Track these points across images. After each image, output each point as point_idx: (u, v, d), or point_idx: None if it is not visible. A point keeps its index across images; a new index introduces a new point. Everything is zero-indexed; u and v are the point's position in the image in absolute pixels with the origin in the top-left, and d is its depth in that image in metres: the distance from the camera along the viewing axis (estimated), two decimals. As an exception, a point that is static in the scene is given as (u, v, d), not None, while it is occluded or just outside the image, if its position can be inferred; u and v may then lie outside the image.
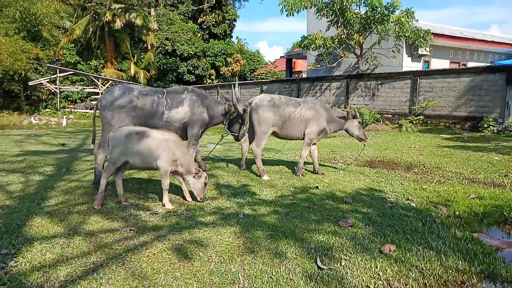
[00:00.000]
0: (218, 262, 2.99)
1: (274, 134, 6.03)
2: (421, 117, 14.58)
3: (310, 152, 6.24)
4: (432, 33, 16.12)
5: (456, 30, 21.74)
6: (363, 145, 6.80)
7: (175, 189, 4.91)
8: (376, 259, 3.09)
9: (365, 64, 18.88)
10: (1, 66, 22.45)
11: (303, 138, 6.03)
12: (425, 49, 17.02)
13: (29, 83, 24.45)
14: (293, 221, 3.90)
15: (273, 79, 29.27)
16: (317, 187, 5.37)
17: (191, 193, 4.55)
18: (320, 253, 3.17)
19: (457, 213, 4.43)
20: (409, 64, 19.03)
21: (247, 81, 28.31)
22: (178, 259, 3.01)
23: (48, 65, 25.63)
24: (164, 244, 3.26)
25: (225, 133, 5.74)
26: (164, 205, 4.31)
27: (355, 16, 16.22)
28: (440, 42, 18.91)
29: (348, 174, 6.44)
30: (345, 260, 3.07)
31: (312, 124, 5.88)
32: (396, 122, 15.42)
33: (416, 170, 7.32)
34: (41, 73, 25.96)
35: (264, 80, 24.99)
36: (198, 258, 3.04)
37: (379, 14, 15.47)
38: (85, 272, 2.80)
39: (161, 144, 4.14)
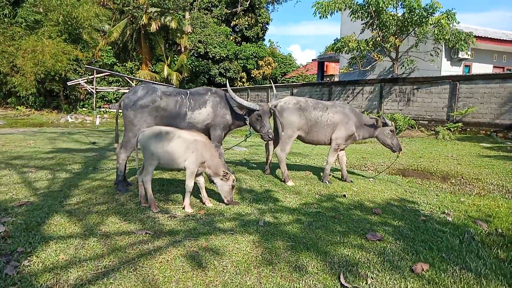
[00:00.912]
0: (233, 273, 2.81)
1: (300, 138, 5.79)
2: (460, 124, 13.80)
3: (338, 158, 5.95)
4: (475, 36, 15.25)
5: (501, 33, 20.53)
6: (396, 156, 6.31)
7: (196, 192, 4.79)
8: (407, 278, 2.80)
9: (401, 68, 18.18)
10: (43, 67, 23.51)
11: (330, 143, 5.75)
12: (466, 53, 16.15)
13: (67, 83, 25.46)
14: (316, 231, 3.66)
15: (304, 82, 28.88)
16: (344, 195, 5.08)
17: (214, 195, 4.42)
18: (344, 269, 2.92)
19: (499, 230, 4.01)
20: (448, 69, 18.13)
21: (278, 84, 28.11)
22: (191, 268, 2.86)
23: (86, 66, 26.58)
24: (179, 250, 3.12)
25: (249, 134, 5.55)
26: (184, 208, 4.20)
27: (391, 18, 15.63)
28: (483, 46, 17.90)
29: (379, 183, 6.08)
30: (372, 278, 2.80)
31: (340, 128, 5.59)
32: (432, 129, 14.69)
33: (453, 181, 6.84)
34: (79, 73, 26.96)
35: (294, 83, 24.71)
36: (212, 268, 2.87)
37: (417, 16, 14.82)
38: (96, 276, 2.70)
39: (191, 145, 4.06)
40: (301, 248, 3.23)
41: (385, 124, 5.69)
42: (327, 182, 5.71)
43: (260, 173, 6.21)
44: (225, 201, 4.38)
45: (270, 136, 5.16)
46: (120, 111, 4.87)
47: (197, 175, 4.28)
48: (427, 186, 6.29)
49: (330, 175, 5.93)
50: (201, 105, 5.07)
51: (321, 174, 6.33)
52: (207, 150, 4.13)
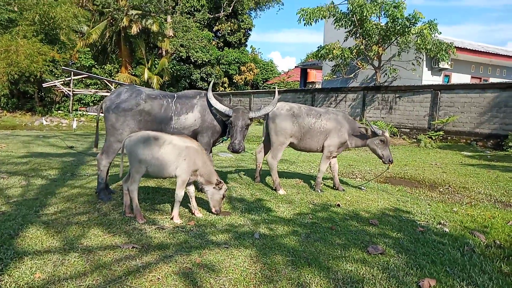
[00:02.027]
0: (231, 293, 2.57)
1: (291, 145, 5.61)
2: (441, 132, 14.03)
3: (330, 166, 5.80)
4: (455, 47, 15.60)
5: (477, 45, 21.17)
6: (387, 167, 6.04)
7: (184, 202, 4.52)
8: (416, 296, 2.64)
9: (383, 76, 18.42)
10: (17, 67, 22.53)
11: (322, 151, 5.60)
12: (447, 63, 16.50)
13: (43, 85, 24.51)
14: (315, 244, 3.46)
15: (286, 88, 28.91)
16: (338, 205, 4.92)
17: (203, 205, 4.16)
18: (349, 286, 2.73)
19: (497, 242, 3.93)
20: (429, 78, 18.50)
21: (260, 90, 28.03)
22: (185, 287, 2.60)
23: (63, 67, 25.71)
24: (170, 267, 2.85)
25: (225, 138, 5.02)
26: (172, 218, 3.92)
27: (374, 27, 15.82)
28: (462, 56, 18.36)
29: (370, 192, 5.97)
30: (379, 296, 2.62)
31: (333, 136, 5.45)
32: (414, 137, 14.88)
33: (441, 190, 6.83)
34: (56, 75, 26.01)
35: (277, 90, 24.69)
36: (209, 287, 2.62)
37: (400, 26, 15.05)
38: (78, 298, 2.41)
39: (183, 152, 3.80)
40: (302, 264, 3.03)
41: (374, 134, 5.50)
42: (320, 191, 5.54)
43: (250, 181, 5.99)
44: (213, 210, 4.13)
45: (235, 148, 4.55)
46: (102, 114, 4.55)
47: (188, 183, 4.02)
48: (417, 195, 6.24)
49: (321, 183, 5.77)
50: (188, 110, 4.78)
51: (312, 182, 6.17)
52: (199, 158, 3.88)
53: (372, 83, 19.16)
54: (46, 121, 19.98)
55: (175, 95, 4.86)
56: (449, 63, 16.77)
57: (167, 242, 3.33)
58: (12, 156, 7.46)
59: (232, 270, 2.86)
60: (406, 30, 15.10)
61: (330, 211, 4.64)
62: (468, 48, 18.73)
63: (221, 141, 5.13)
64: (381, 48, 16.32)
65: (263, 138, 5.92)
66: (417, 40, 15.23)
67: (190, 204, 4.21)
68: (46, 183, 5.38)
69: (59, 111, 26.21)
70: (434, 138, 13.89)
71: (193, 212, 4.17)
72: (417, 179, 7.77)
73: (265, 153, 5.91)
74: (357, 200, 5.29)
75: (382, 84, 17.60)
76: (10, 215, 3.84)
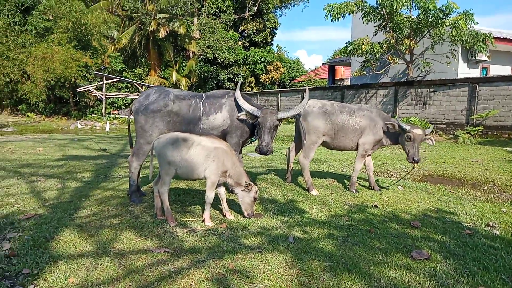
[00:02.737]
0: (267, 301, 2.44)
1: (324, 144, 5.41)
2: (480, 127, 13.27)
3: (364, 165, 5.55)
4: (493, 37, 14.74)
5: (518, 34, 19.95)
6: (412, 167, 5.58)
7: (215, 203, 4.43)
8: (470, 308, 2.41)
9: (416, 70, 17.72)
10: (53, 73, 23.47)
11: (356, 149, 5.36)
12: (485, 54, 15.61)
13: (77, 89, 25.41)
14: (354, 248, 3.27)
15: (314, 86, 28.49)
16: (375, 206, 4.68)
17: (234, 207, 4.05)
18: (394, 295, 2.53)
19: (556, 246, 3.58)
20: (465, 71, 17.61)
21: (287, 89, 27.78)
22: (219, 294, 2.50)
23: (95, 72, 26.54)
24: (203, 272, 2.76)
25: (254, 138, 4.92)
26: (203, 221, 3.84)
27: (405, 20, 15.22)
28: (501, 47, 17.35)
29: (409, 191, 5.66)
30: (429, 307, 2.41)
31: (367, 133, 5.20)
32: (451, 132, 14.19)
33: (485, 188, 6.40)
34: (89, 80, 26.92)
35: (304, 88, 24.32)
36: (243, 294, 2.50)
37: (432, 18, 14.39)
38: (111, 305, 2.35)
39: (211, 153, 3.72)
40: (341, 270, 2.85)
41: (402, 129, 5.16)
42: (354, 191, 5.31)
43: (281, 182, 5.83)
44: (245, 214, 4.00)
45: (262, 150, 4.40)
46: (132, 116, 4.55)
47: (218, 185, 3.93)
48: (460, 194, 5.86)
49: (356, 183, 5.54)
50: (216, 110, 4.69)
51: (346, 182, 5.94)
52: (228, 159, 3.78)
53: (404, 78, 18.48)
54: (81, 125, 20.65)
55: (203, 95, 4.79)
56: (487, 54, 15.84)
57: (199, 245, 3.24)
58: (48, 159, 7.68)
59: (267, 276, 2.73)
60: (439, 21, 14.41)
61: (367, 212, 4.41)
62: (508, 38, 17.67)
63: (249, 142, 5.01)
64: (413, 42, 15.68)
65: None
66: (451, 32, 14.50)
67: (221, 206, 4.11)
68: (80, 185, 5.47)
69: (93, 115, 27.08)
70: (473, 133, 13.17)
71: (224, 214, 4.08)
72: (457, 177, 7.35)
73: (297, 153, 5.74)
74: (395, 200, 5.02)
75: (415, 79, 16.93)
76: (46, 218, 3.89)
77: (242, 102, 4.53)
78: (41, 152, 8.79)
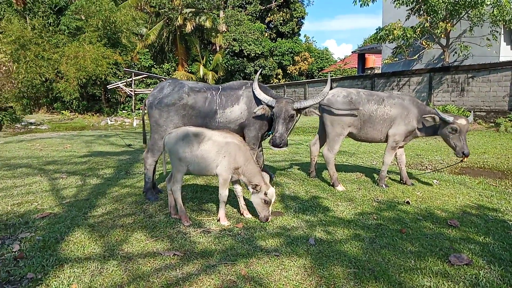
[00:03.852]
0: (281, 314, 2.17)
1: (351, 135, 5.02)
2: (525, 114, 12.25)
3: (396, 157, 5.12)
4: (541, 15, 13.50)
5: None
6: (460, 160, 4.99)
7: (233, 201, 4.20)
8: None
9: (453, 55, 16.64)
10: (85, 71, 24.13)
11: (386, 141, 4.94)
12: (531, 35, 14.36)
13: (107, 86, 26.02)
14: (382, 252, 2.93)
15: (343, 76, 27.63)
16: (407, 202, 4.28)
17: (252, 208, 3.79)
18: (428, 309, 2.19)
19: None
20: (508, 54, 16.31)
21: (315, 79, 27.12)
22: (228, 304, 2.26)
23: (124, 69, 27.05)
24: (213, 279, 2.53)
25: (271, 132, 4.69)
26: (219, 220, 3.62)
27: (441, 1, 14.22)
28: (548, 26, 15.89)
29: (445, 186, 5.19)
30: (471, 325, 2.05)
31: (399, 123, 4.76)
32: (492, 120, 13.21)
33: (533, 181, 5.79)
34: (119, 77, 27.49)
35: (333, 78, 23.61)
36: (254, 305, 2.25)
37: (471, -3, 13.34)
38: (110, 315, 2.16)
39: (222, 149, 3.47)
40: (367, 277, 2.53)
41: (444, 121, 4.62)
42: (384, 186, 4.90)
43: (305, 176, 5.51)
44: (259, 218, 3.61)
45: (275, 142, 4.16)
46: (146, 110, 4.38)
47: (234, 182, 3.68)
48: (503, 188, 5.32)
49: (386, 177, 5.12)
50: (233, 102, 4.44)
51: (375, 176, 5.54)
52: (241, 154, 3.50)
53: (439, 64, 17.43)
54: (111, 121, 21.14)
55: (220, 87, 4.54)
56: (534, 34, 14.57)
57: (212, 248, 3.02)
58: (74, 156, 7.74)
59: (283, 285, 2.46)
60: (479, 1, 13.33)
61: (398, 210, 4.03)
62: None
63: (267, 135, 4.72)
64: (449, 24, 14.65)
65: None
66: (493, 12, 13.40)
67: (239, 204, 3.88)
68: (100, 182, 5.40)
69: (123, 111, 27.69)
70: (516, 121, 12.18)
71: (241, 212, 3.83)
72: (500, 169, 6.73)
73: (321, 145, 5.39)
74: (430, 196, 4.58)
75: (451, 64, 15.90)
76: (61, 217, 3.80)
77: (258, 92, 4.26)
78: (68, 149, 8.92)
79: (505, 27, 14.36)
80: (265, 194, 3.46)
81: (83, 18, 26.19)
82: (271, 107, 4.25)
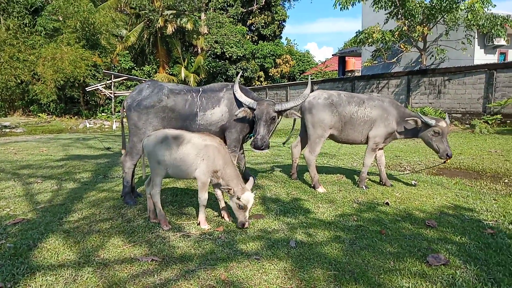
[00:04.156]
0: (261, 318, 2.14)
1: (332, 137, 5.05)
2: (499, 116, 12.66)
3: (375, 158, 5.18)
4: (512, 20, 14.05)
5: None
6: (443, 161, 5.07)
7: (214, 204, 4.15)
8: (496, 325, 2.06)
9: (430, 58, 17.08)
10: (63, 73, 23.55)
11: (367, 142, 4.99)
12: (504, 39, 14.89)
13: (86, 89, 25.47)
14: (362, 253, 2.94)
15: (324, 78, 27.92)
16: (387, 203, 4.33)
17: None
18: (407, 310, 2.20)
19: None
20: (481, 57, 16.89)
21: (297, 82, 27.31)
22: (207, 310, 2.21)
23: (104, 71, 26.54)
24: (192, 284, 2.48)
25: (253, 134, 4.67)
26: (199, 224, 3.56)
27: (418, 5, 14.60)
28: (519, 31, 16.55)
29: (423, 186, 5.28)
30: (448, 324, 2.08)
31: (379, 125, 4.82)
32: (467, 122, 13.60)
33: (506, 181, 5.98)
34: (98, 79, 26.96)
35: (314, 80, 23.84)
36: (234, 310, 2.21)
37: (446, 2, 13.74)
38: (84, 325, 2.09)
39: (201, 152, 3.41)
40: (347, 279, 2.53)
41: (427, 125, 4.73)
42: (364, 187, 4.95)
43: (286, 178, 5.51)
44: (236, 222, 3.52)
45: (256, 144, 4.16)
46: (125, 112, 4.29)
47: (215, 185, 3.64)
48: (479, 188, 5.46)
49: (366, 178, 5.17)
50: (214, 104, 4.40)
51: (355, 177, 5.59)
52: (220, 157, 3.44)
53: (417, 67, 17.86)
54: (90, 124, 20.69)
55: (200, 89, 4.50)
56: (506, 39, 15.11)
57: (191, 252, 2.96)
58: (50, 160, 7.52)
59: (263, 288, 2.43)
60: (454, 6, 13.76)
61: (377, 211, 4.07)
62: (527, 21, 16.84)
63: (248, 137, 4.70)
64: (426, 28, 15.06)
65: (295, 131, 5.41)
66: (467, 16, 13.84)
67: (220, 206, 3.83)
68: (77, 186, 5.25)
69: (102, 114, 27.15)
70: (490, 122, 12.58)
71: (222, 216, 3.79)
72: (476, 169, 6.91)
73: (302, 147, 5.41)
74: (408, 197, 4.65)
75: (428, 67, 16.31)
76: (34, 223, 3.66)
77: (239, 94, 4.24)
78: (44, 153, 8.66)
79: (479, 31, 14.86)
80: (238, 198, 3.36)
81: (61, 19, 25.57)
82: (252, 109, 4.24)
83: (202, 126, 4.35)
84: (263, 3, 36.10)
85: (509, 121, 12.58)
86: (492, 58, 17.24)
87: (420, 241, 3.22)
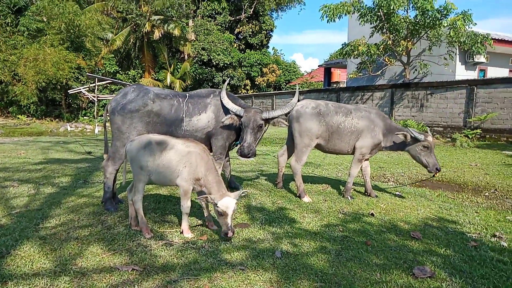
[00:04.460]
0: (245, 331, 2.07)
1: (319, 147, 5.04)
2: (478, 130, 13.00)
3: (361, 169, 5.19)
4: (492, 39, 14.50)
5: (514, 37, 19.79)
6: (432, 175, 5.12)
7: (198, 212, 4.06)
8: None
9: (413, 72, 17.46)
10: (45, 75, 23.03)
11: (353, 153, 5.00)
12: (483, 56, 15.38)
13: (69, 91, 24.95)
14: (348, 265, 2.90)
15: (310, 88, 28.19)
16: (372, 214, 4.32)
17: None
18: (394, 323, 2.17)
19: None
20: (462, 73, 17.37)
21: (283, 91, 27.49)
22: (189, 323, 2.12)
23: (87, 74, 26.08)
24: (174, 295, 2.38)
25: (239, 141, 4.63)
26: (182, 233, 3.46)
27: (402, 21, 14.95)
28: (499, 49, 17.11)
29: (407, 198, 5.32)
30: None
31: (366, 136, 4.84)
32: (449, 136, 13.90)
33: (487, 194, 6.09)
34: (81, 82, 26.47)
35: (300, 90, 24.03)
36: (217, 323, 2.13)
37: (430, 18, 14.12)
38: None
39: (184, 158, 3.31)
40: (333, 291, 2.48)
41: (415, 139, 4.76)
42: (350, 198, 4.94)
43: (271, 187, 5.46)
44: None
45: (243, 152, 4.13)
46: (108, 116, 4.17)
47: (199, 193, 3.55)
48: (460, 200, 5.54)
49: (351, 189, 5.17)
50: (201, 110, 4.35)
51: (341, 187, 5.59)
52: (202, 164, 3.35)
53: (400, 80, 18.22)
54: (71, 127, 20.23)
55: (187, 94, 4.44)
56: (485, 56, 15.61)
57: (173, 262, 2.87)
58: (28, 163, 7.27)
59: (248, 300, 2.36)
60: (437, 22, 14.14)
61: (363, 221, 4.06)
62: (505, 39, 17.47)
63: (234, 144, 4.66)
64: (410, 43, 15.41)
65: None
66: (449, 33, 14.24)
67: (204, 214, 3.74)
68: (55, 191, 5.07)
69: (85, 117, 26.62)
70: (470, 136, 12.89)
71: (207, 224, 3.70)
72: (457, 182, 7.03)
73: (289, 156, 5.38)
74: (393, 208, 4.66)
75: (411, 81, 16.66)
76: (8, 229, 3.50)
77: (226, 101, 4.19)
78: (22, 155, 8.37)
79: (460, 48, 15.27)
80: (216, 205, 3.19)
81: (45, 20, 25.10)
82: (239, 116, 4.19)
83: (187, 132, 4.28)
84: (251, 12, 36.35)
85: (488, 136, 12.91)
86: (473, 74, 17.75)
87: (405, 252, 3.21)
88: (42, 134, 17.39)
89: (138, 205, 3.39)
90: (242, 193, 3.28)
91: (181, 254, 3.01)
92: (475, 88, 13.30)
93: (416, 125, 14.31)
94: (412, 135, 4.69)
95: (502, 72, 18.44)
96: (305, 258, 2.99)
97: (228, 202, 3.18)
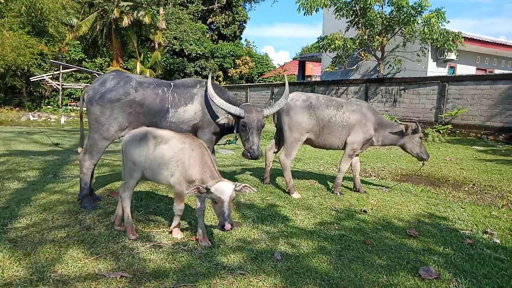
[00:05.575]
0: None
1: (308, 142, 4.88)
2: (449, 126, 13.39)
3: (351, 164, 5.09)
4: (463, 37, 14.94)
5: (484, 36, 20.56)
6: (422, 163, 5.42)
7: (187, 209, 3.79)
8: None
9: (387, 67, 17.74)
10: (3, 60, 21.52)
11: (344, 148, 4.89)
12: (454, 53, 15.84)
13: (30, 79, 23.49)
14: (353, 267, 2.76)
15: (283, 82, 28.12)
16: (364, 211, 4.23)
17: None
18: (412, 331, 2.04)
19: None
20: (434, 69, 17.83)
21: (257, 84, 27.28)
22: None
23: (51, 61, 24.65)
24: (171, 306, 2.14)
25: (232, 140, 4.46)
26: (171, 233, 3.20)
27: (377, 16, 15.09)
28: (468, 47, 17.68)
29: (394, 193, 5.29)
30: None
31: (357, 131, 4.72)
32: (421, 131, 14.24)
33: (466, 189, 6.20)
34: (44, 69, 24.99)
35: (275, 83, 23.91)
36: (224, 338, 1.91)
37: (405, 15, 14.34)
38: None
39: (176, 155, 2.94)
40: (344, 297, 2.33)
41: (415, 131, 4.89)
42: (339, 194, 4.84)
43: (258, 182, 5.26)
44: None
45: (254, 155, 3.91)
46: (85, 107, 3.80)
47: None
48: (444, 196, 5.58)
49: (340, 185, 5.06)
50: (187, 101, 4.05)
51: (328, 182, 5.48)
52: (197, 164, 2.94)
53: (374, 75, 18.49)
54: (34, 117, 19.06)
55: (172, 83, 4.12)
56: (456, 54, 16.09)
57: (166, 267, 2.61)
58: (-12, 155, 6.66)
59: (255, 310, 2.16)
60: (411, 19, 14.39)
61: (356, 219, 3.95)
62: (475, 38, 18.08)
63: (228, 143, 4.42)
64: (384, 39, 15.60)
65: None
66: (423, 30, 14.52)
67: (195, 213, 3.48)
68: (22, 186, 4.62)
69: (48, 106, 25.22)
70: (442, 132, 13.25)
71: (197, 238, 3.39)
72: (435, 177, 7.13)
73: (277, 151, 5.20)
74: (383, 204, 4.60)
75: (385, 76, 16.93)
76: (-30, 231, 3.09)
77: (220, 102, 3.88)
78: (-19, 147, 7.69)
79: (433, 45, 15.62)
80: (208, 190, 2.64)
81: (3, 1, 23.39)
82: (239, 117, 3.92)
83: (173, 124, 3.98)
84: (224, 2, 35.68)
85: (458, 131, 13.33)
86: (443, 71, 18.29)
87: (406, 252, 3.12)
88: (2, 124, 16.26)
89: (126, 202, 3.09)
90: (244, 186, 2.76)
91: (173, 258, 2.76)
92: (447, 85, 13.66)
93: (390, 120, 14.55)
94: (414, 127, 4.85)
95: (470, 70, 19.13)
96: (306, 260, 2.82)
97: (223, 186, 2.63)
